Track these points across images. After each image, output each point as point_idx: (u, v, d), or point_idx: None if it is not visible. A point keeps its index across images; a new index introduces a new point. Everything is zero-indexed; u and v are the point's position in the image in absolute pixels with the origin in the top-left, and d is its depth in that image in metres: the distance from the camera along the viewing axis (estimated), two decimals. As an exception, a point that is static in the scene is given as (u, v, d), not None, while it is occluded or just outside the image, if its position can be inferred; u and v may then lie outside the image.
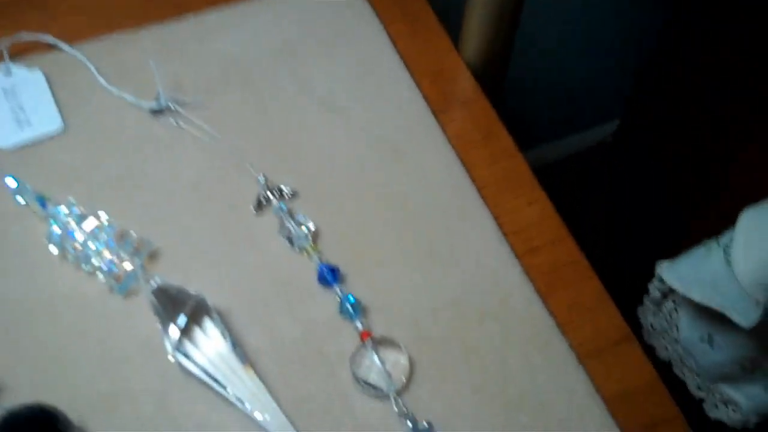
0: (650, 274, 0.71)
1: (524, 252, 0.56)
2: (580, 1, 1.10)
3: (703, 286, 0.61)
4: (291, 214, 0.55)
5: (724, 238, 0.60)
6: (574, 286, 0.55)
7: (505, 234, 0.56)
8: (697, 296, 0.61)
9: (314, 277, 0.53)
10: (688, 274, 0.63)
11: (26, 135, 0.57)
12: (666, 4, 1.07)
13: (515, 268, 0.55)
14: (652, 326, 0.76)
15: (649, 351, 0.77)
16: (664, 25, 1.08)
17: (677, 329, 0.73)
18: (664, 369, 0.76)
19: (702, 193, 1.08)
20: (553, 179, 0.67)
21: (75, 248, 0.52)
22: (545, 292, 0.54)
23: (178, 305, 0.49)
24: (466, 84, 0.64)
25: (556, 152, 1.39)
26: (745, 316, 0.56)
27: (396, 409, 0.48)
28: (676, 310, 0.73)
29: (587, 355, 0.52)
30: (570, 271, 0.55)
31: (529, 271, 0.55)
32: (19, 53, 0.62)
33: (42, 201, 0.53)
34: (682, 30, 1.06)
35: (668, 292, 0.73)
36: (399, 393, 0.49)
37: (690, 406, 0.74)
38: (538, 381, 0.50)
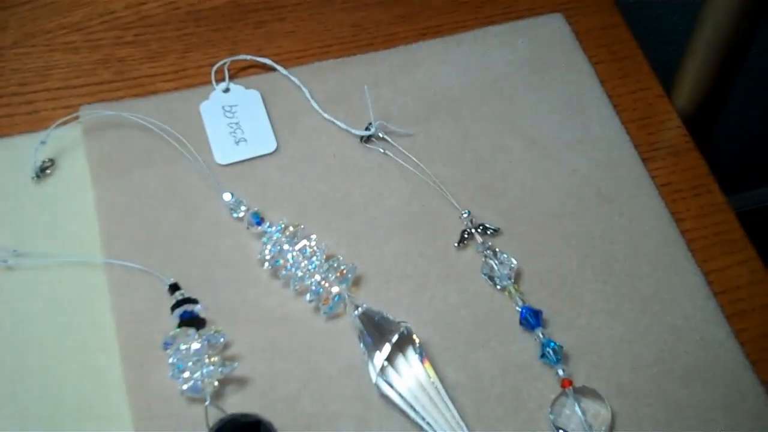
0: None
1: (732, 314, 0.54)
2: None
3: None
4: (494, 252, 0.55)
5: None
6: (787, 354, 0.52)
7: (714, 293, 0.54)
8: None
9: (515, 317, 0.53)
10: None
11: (242, 152, 0.60)
12: None
13: (724, 329, 0.53)
14: None
15: None
16: None
17: None
18: None
19: None
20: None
21: (285, 267, 0.54)
22: (754, 357, 0.52)
23: (382, 332, 0.50)
24: (676, 132, 0.62)
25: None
26: None
27: (596, 462, 0.47)
28: None
29: (799, 430, 0.49)
30: (782, 338, 0.53)
31: (738, 334, 0.53)
32: (236, 73, 0.65)
33: (257, 218, 0.55)
34: None
35: None
36: (599, 446, 0.48)
37: None
38: (745, 450, 0.48)
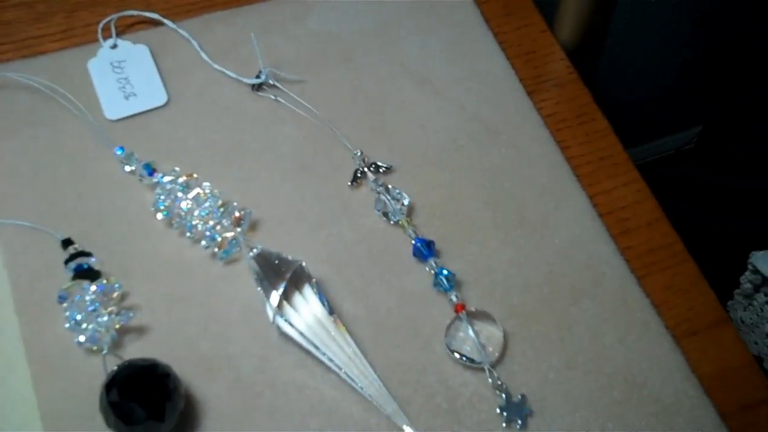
0: (741, 268, 0.70)
1: (619, 233, 0.56)
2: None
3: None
4: (387, 189, 0.56)
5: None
6: (670, 268, 0.54)
7: (600, 214, 0.56)
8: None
9: (409, 250, 0.54)
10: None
11: (132, 107, 0.59)
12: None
13: (610, 247, 0.55)
14: (741, 320, 0.75)
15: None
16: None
17: (769, 323, 0.72)
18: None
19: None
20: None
21: (179, 216, 0.54)
22: (640, 273, 0.54)
23: (278, 272, 0.51)
24: (560, 65, 0.64)
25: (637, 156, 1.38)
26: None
27: (491, 381, 0.49)
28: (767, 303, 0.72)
29: (683, 336, 0.52)
30: (665, 254, 0.55)
31: (624, 252, 0.55)
32: (125, 29, 0.64)
33: (149, 169, 0.55)
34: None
35: (761, 285, 0.72)
36: (493, 366, 0.50)
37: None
38: (633, 359, 0.50)
